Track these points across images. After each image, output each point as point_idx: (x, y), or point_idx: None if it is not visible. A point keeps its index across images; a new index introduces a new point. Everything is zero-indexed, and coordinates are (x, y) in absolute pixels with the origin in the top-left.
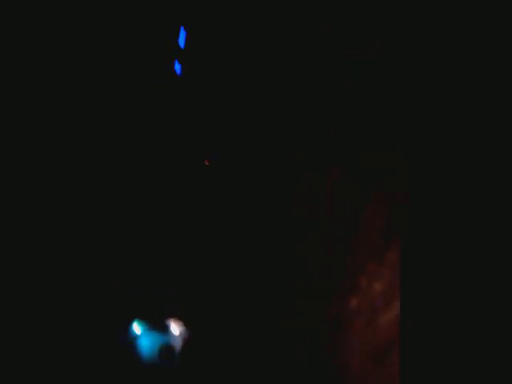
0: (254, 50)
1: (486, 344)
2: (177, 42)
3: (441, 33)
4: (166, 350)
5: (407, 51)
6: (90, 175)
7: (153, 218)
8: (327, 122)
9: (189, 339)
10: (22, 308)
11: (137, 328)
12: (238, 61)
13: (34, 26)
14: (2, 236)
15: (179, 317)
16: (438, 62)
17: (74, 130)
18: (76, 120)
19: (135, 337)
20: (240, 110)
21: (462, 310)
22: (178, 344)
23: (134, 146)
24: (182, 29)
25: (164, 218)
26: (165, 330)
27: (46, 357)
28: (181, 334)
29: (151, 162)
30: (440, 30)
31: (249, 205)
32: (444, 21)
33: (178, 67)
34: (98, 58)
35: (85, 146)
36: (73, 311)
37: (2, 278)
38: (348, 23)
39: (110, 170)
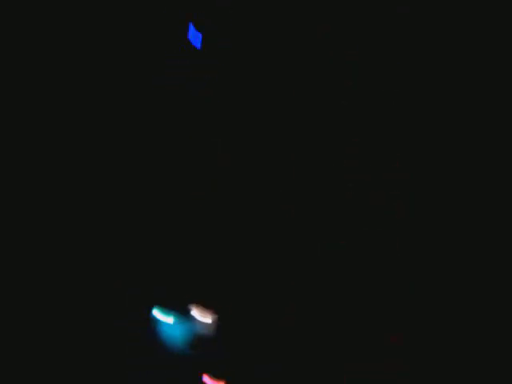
0: (254, 50)
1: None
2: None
3: (441, 33)
4: (197, 338)
5: (407, 51)
6: (91, 175)
7: (161, 217)
8: (327, 122)
9: (219, 327)
10: (28, 305)
11: (167, 318)
12: (238, 61)
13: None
14: (2, 236)
15: (208, 305)
16: (438, 62)
17: (75, 128)
18: (79, 115)
19: (166, 326)
20: (239, 110)
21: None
22: (208, 333)
23: (135, 143)
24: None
25: (170, 217)
26: (195, 319)
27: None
28: (211, 322)
29: (152, 161)
30: (440, 31)
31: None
32: (444, 21)
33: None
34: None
35: (88, 143)
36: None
37: (4, 278)
38: (348, 23)
39: (111, 170)
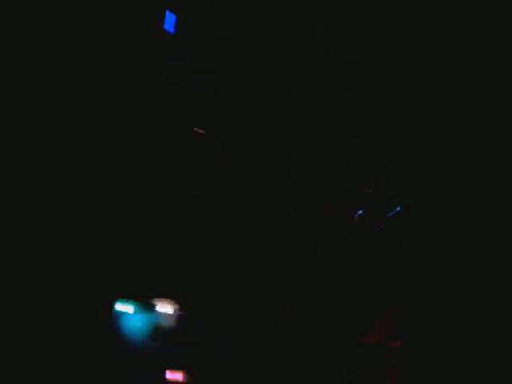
0: (254, 50)
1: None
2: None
3: (441, 33)
4: (157, 329)
5: (407, 51)
6: (91, 175)
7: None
8: (327, 122)
9: (180, 318)
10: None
11: (128, 308)
12: (238, 61)
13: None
14: (2, 236)
15: (170, 296)
16: (438, 62)
17: (73, 128)
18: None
19: (126, 317)
20: (239, 110)
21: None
22: (169, 324)
23: (135, 143)
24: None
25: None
26: (156, 309)
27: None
28: (172, 313)
29: (152, 161)
30: (440, 31)
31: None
32: (444, 21)
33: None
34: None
35: (88, 143)
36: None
37: (2, 274)
38: (348, 23)
39: (110, 169)
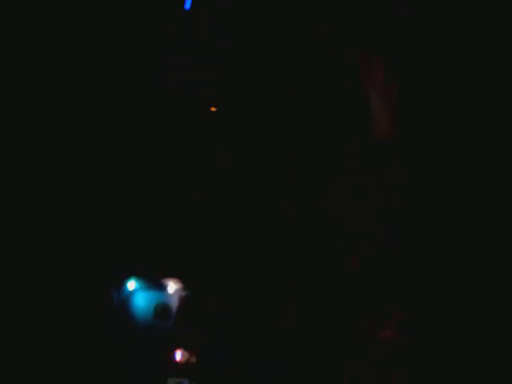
0: (254, 50)
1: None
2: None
3: (442, 33)
4: (162, 309)
5: (407, 51)
6: (90, 175)
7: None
8: (327, 122)
9: (186, 298)
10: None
11: (131, 285)
12: (238, 61)
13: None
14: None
15: (177, 273)
16: (438, 62)
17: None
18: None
19: (128, 294)
20: (239, 110)
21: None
22: (174, 303)
23: (135, 143)
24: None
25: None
26: (161, 287)
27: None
28: (178, 292)
29: (152, 161)
30: (441, 31)
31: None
32: (445, 22)
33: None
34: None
35: (86, 143)
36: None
37: None
38: (348, 23)
39: (110, 170)
